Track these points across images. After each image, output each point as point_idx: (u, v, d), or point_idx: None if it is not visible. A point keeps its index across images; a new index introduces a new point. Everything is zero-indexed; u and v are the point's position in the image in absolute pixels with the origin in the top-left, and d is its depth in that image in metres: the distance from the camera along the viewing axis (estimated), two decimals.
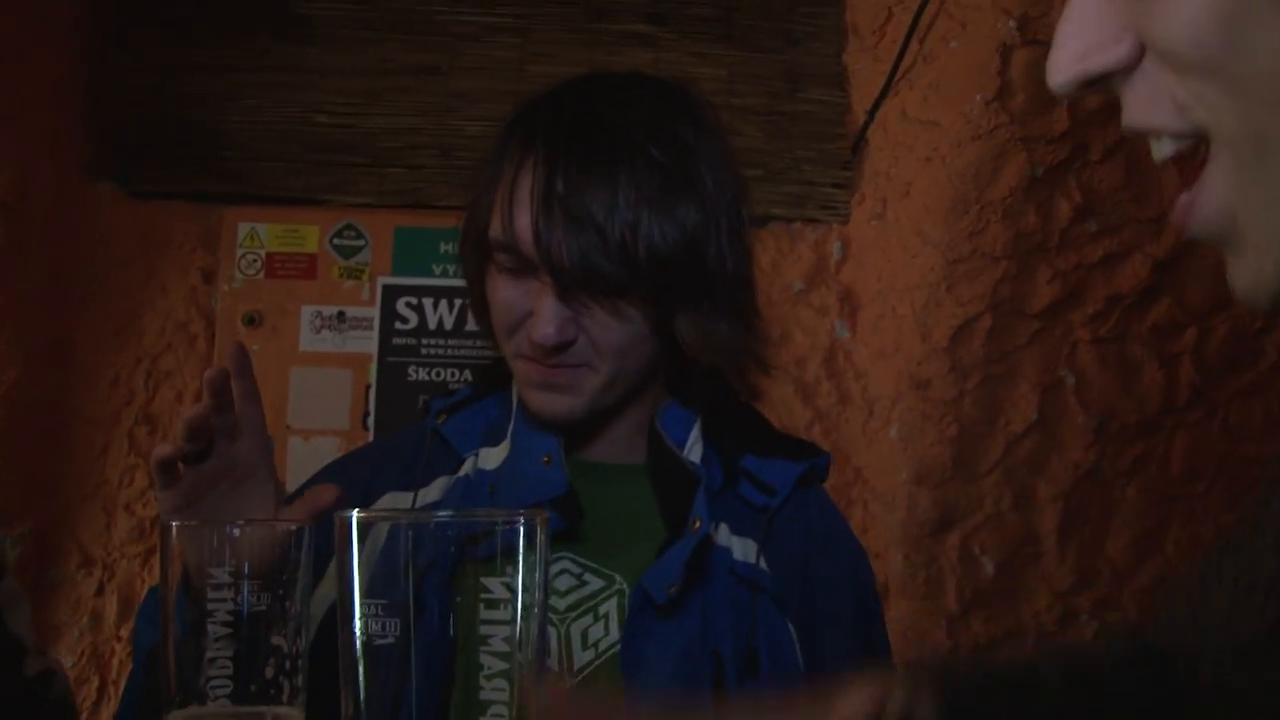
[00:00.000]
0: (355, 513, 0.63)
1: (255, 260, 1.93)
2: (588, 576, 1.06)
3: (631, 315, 1.03)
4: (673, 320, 1.06)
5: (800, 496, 1.12)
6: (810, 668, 1.05)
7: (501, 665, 0.62)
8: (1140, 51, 0.51)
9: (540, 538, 0.64)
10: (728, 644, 1.02)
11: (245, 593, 0.76)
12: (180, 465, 0.95)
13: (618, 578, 1.06)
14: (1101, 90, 0.54)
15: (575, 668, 1.02)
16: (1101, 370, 1.97)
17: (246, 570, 0.76)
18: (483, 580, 0.62)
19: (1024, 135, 1.88)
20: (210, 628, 0.75)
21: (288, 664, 0.76)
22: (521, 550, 0.63)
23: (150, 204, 1.95)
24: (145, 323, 1.94)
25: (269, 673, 0.75)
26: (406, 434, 1.21)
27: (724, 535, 1.07)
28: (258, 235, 1.93)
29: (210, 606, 0.75)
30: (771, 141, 2.03)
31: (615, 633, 1.03)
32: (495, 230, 1.06)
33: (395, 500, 1.10)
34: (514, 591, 0.63)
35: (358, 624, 0.62)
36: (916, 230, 1.94)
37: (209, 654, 0.75)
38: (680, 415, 1.12)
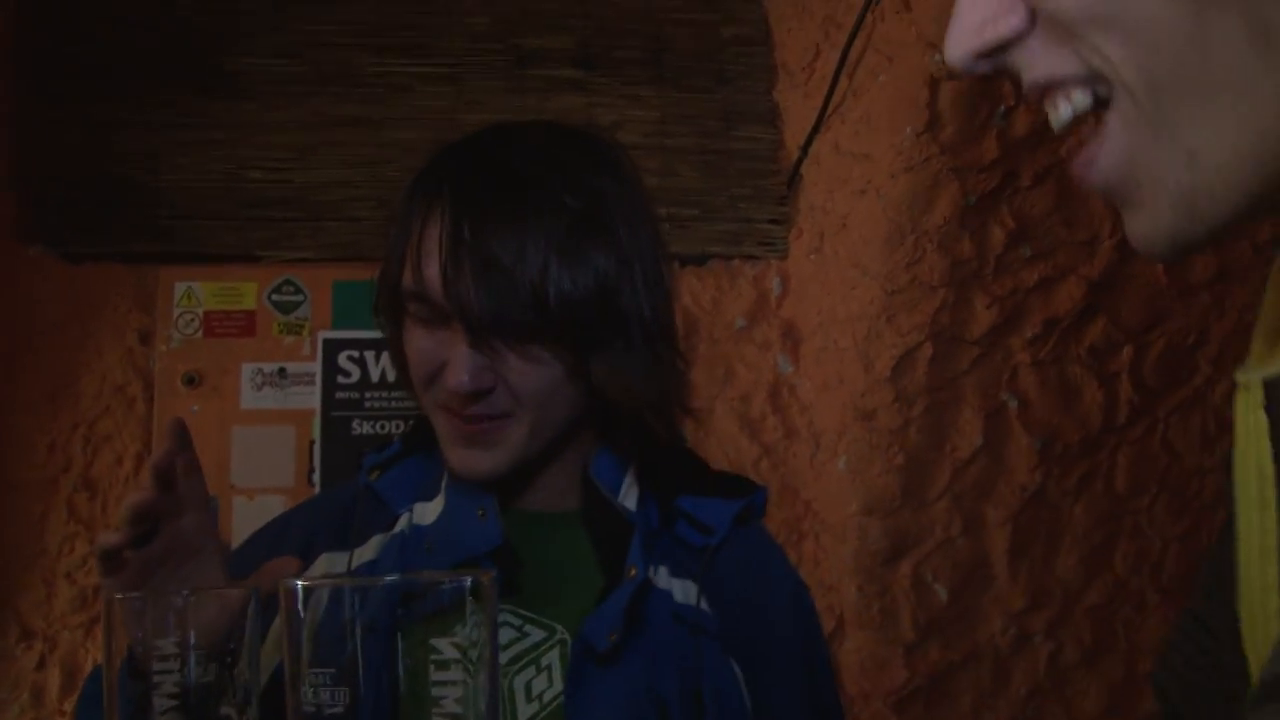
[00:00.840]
0: (299, 581, 0.62)
1: (193, 319, 1.90)
2: (528, 628, 1.05)
3: (546, 360, 1.02)
4: (589, 365, 1.05)
5: (739, 534, 1.12)
6: (757, 706, 1.05)
7: None
8: (1032, 19, 0.54)
9: (487, 595, 0.64)
10: (672, 688, 1.01)
11: (191, 663, 0.74)
12: (125, 552, 0.93)
13: (558, 628, 1.05)
14: (999, 62, 0.57)
15: None
16: (1043, 392, 2.00)
17: (192, 640, 0.74)
18: (431, 641, 0.62)
19: (955, 165, 1.90)
20: (156, 700, 0.73)
21: None
22: (469, 608, 0.63)
23: (83, 267, 1.93)
24: (82, 386, 1.90)
25: None
26: (341, 491, 1.19)
27: (664, 578, 1.07)
28: (194, 294, 1.91)
29: (156, 679, 0.73)
30: (707, 180, 2.05)
31: (559, 683, 1.02)
32: (407, 280, 1.05)
33: (331, 561, 1.08)
34: (463, 650, 0.62)
35: (306, 694, 0.61)
36: (854, 262, 1.96)
37: None
38: (612, 461, 1.12)
